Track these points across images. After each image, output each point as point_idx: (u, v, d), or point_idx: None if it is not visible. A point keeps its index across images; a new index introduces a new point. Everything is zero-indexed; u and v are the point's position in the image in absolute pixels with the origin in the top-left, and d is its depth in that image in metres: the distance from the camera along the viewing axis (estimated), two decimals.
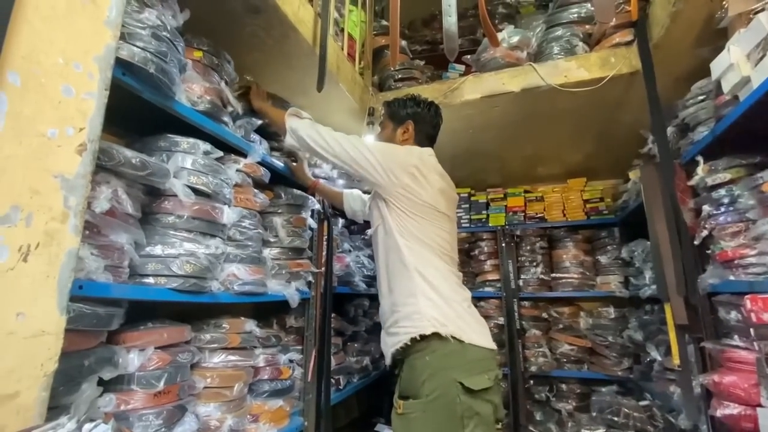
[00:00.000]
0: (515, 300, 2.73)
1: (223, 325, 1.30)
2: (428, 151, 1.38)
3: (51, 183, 0.71)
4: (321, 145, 1.31)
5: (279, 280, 1.50)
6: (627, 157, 2.33)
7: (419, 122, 1.44)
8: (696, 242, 1.42)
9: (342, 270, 2.08)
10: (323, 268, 1.79)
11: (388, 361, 1.23)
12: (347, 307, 2.23)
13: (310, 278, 1.69)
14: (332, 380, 1.80)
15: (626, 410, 2.23)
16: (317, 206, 1.73)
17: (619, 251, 2.57)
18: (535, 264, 2.84)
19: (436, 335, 1.10)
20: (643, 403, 2.26)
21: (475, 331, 1.14)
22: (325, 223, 1.82)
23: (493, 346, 1.16)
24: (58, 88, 0.73)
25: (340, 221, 2.13)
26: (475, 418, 1.04)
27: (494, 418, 1.08)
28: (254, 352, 1.38)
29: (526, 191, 3.05)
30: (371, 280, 2.44)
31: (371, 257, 2.46)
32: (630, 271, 2.47)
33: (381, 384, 2.76)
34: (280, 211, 1.58)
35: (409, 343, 1.12)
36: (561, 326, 2.71)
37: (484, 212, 3.02)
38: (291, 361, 1.54)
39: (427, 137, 1.45)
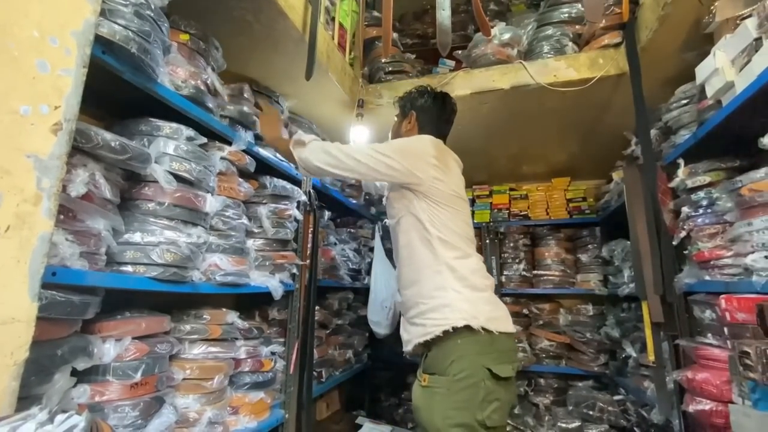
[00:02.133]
0: (497, 296, 2.77)
1: (204, 316, 1.28)
2: (439, 141, 1.37)
3: (23, 163, 0.68)
4: (335, 165, 1.30)
5: (262, 271, 1.49)
6: (610, 158, 2.37)
7: (423, 112, 1.45)
8: (674, 242, 1.46)
9: (327, 263, 2.08)
10: (308, 261, 1.78)
11: (409, 348, 1.24)
12: (331, 299, 2.23)
13: (295, 270, 1.69)
14: (314, 373, 1.82)
15: (601, 404, 2.30)
16: (303, 198, 1.73)
17: (600, 250, 2.63)
18: (517, 261, 2.88)
19: (467, 327, 1.15)
20: (617, 397, 2.33)
21: (501, 318, 1.20)
22: (312, 215, 1.82)
23: (514, 329, 1.23)
24: (32, 62, 0.70)
25: (327, 213, 2.13)
26: (495, 403, 1.09)
27: (510, 406, 1.14)
28: (235, 344, 1.38)
29: (511, 189, 3.09)
30: (356, 273, 2.45)
31: (357, 251, 2.48)
32: (609, 269, 2.53)
33: (363, 377, 2.80)
34: (265, 201, 1.57)
35: (440, 335, 1.15)
36: (541, 322, 2.76)
37: (470, 209, 3.05)
38: (273, 353, 1.54)
39: (433, 128, 1.43)
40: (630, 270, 2.10)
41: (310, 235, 1.82)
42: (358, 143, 1.47)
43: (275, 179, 1.61)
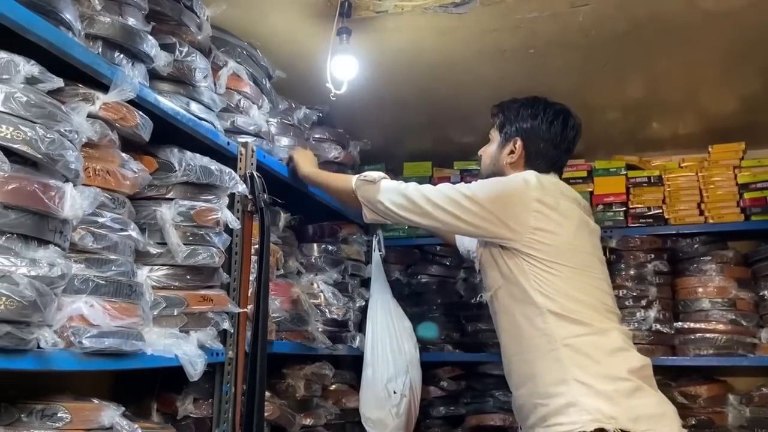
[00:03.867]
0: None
1: (59, 415, 1.29)
2: (548, 177, 1.81)
3: None
4: (410, 209, 1.79)
5: (166, 328, 1.52)
6: None
7: (535, 139, 1.86)
8: None
9: (287, 310, 2.09)
10: (250, 307, 1.81)
11: None
12: (293, 379, 2.24)
13: (227, 325, 1.71)
14: None
15: None
16: (241, 187, 1.75)
17: None
18: (644, 302, 2.88)
19: (601, 431, 1.46)
20: None
21: (659, 417, 1.53)
22: (257, 219, 1.84)
23: None
24: None
25: (282, 215, 2.15)
26: None
27: None
28: None
29: (629, 167, 3.10)
30: (338, 329, 2.48)
31: (342, 287, 2.51)
32: None
33: None
34: (170, 195, 1.61)
35: None
36: (693, 422, 2.74)
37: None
38: None
39: (546, 161, 1.87)
40: None
41: (255, 259, 1.84)
42: (445, 185, 1.86)
43: (189, 154, 1.62)
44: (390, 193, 1.82)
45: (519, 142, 1.86)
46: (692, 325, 2.82)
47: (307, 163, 2.11)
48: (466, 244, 2.37)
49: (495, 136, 1.95)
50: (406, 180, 3.14)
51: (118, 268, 1.37)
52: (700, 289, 2.84)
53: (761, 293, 2.80)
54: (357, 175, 1.93)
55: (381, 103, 2.72)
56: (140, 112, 1.47)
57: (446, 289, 3.15)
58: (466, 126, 2.97)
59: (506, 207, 1.70)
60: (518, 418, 1.77)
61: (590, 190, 3.06)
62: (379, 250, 2.82)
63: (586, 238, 1.76)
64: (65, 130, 1.22)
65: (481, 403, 2.93)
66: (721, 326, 2.76)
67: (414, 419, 2.65)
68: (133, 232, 1.43)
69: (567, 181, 3.04)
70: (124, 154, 1.46)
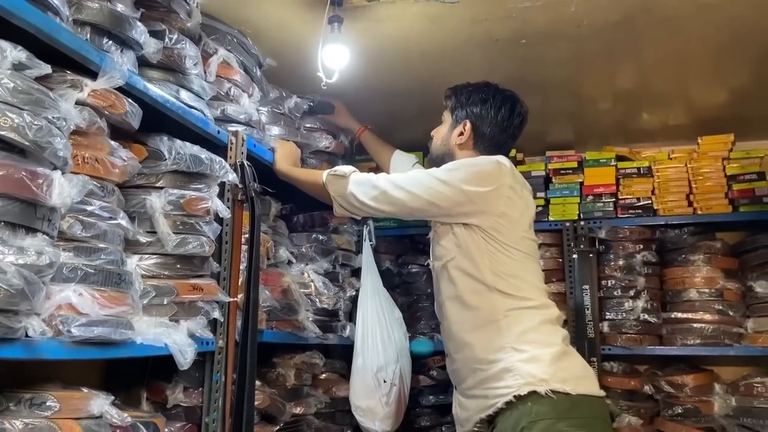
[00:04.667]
0: (593, 359, 2.79)
1: (48, 403, 1.29)
2: (507, 160, 1.90)
3: None
4: (384, 200, 1.82)
5: (156, 317, 1.53)
6: None
7: (482, 122, 1.98)
8: None
9: (277, 300, 2.10)
10: (240, 296, 1.81)
11: (468, 427, 1.76)
12: (284, 369, 2.26)
13: (217, 314, 1.71)
14: None
15: None
16: (231, 176, 1.75)
17: None
18: (632, 293, 2.89)
19: (534, 394, 1.59)
20: None
21: (582, 378, 1.67)
22: (248, 209, 1.84)
23: (602, 393, 1.69)
24: None
25: (274, 205, 2.16)
26: None
27: None
28: None
29: (619, 158, 3.11)
30: (329, 318, 2.49)
31: (332, 277, 2.52)
32: None
33: None
34: (160, 184, 1.61)
35: (503, 407, 1.62)
36: (679, 410, 2.76)
37: (541, 195, 3.07)
38: None
39: (493, 144, 1.99)
40: None
41: (245, 248, 1.84)
42: (414, 172, 1.94)
43: (179, 142, 1.62)
44: (360, 186, 1.86)
45: (468, 125, 1.97)
46: (680, 315, 2.84)
47: (282, 158, 2.11)
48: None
49: (447, 117, 2.06)
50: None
51: (107, 257, 1.37)
52: (688, 280, 2.86)
53: (748, 284, 2.83)
54: (327, 170, 1.95)
55: (372, 92, 2.71)
56: (129, 100, 1.47)
57: None
58: None
59: (481, 190, 1.78)
60: (454, 379, 1.91)
61: (580, 180, 3.07)
62: (370, 240, 2.82)
63: (532, 228, 1.93)
64: (53, 117, 1.21)
65: None
66: (708, 316, 2.79)
67: (404, 408, 2.66)
68: (123, 220, 1.44)
69: (557, 171, 3.12)
70: (113, 142, 1.46)
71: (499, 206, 1.79)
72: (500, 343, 1.69)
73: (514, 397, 1.60)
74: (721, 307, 2.80)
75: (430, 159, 2.09)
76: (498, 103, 1.97)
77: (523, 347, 1.68)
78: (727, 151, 2.97)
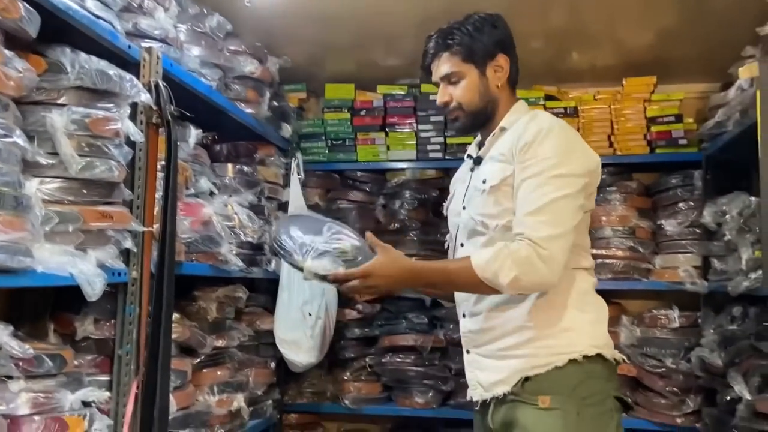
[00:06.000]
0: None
1: None
2: None
3: None
4: (568, 240, 1.51)
5: (61, 245, 1.47)
6: (732, 43, 2.39)
7: (510, 49, 1.71)
8: None
9: (197, 231, 2.04)
10: (156, 226, 1.75)
11: (493, 392, 1.58)
12: (205, 302, 2.21)
13: (129, 244, 1.66)
14: None
15: None
16: (145, 96, 1.66)
17: (700, 212, 2.69)
18: None
19: (599, 357, 1.54)
20: None
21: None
22: (164, 133, 1.76)
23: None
24: None
25: (193, 131, 2.05)
26: None
27: None
28: (8, 387, 1.37)
29: (548, 96, 3.10)
30: (253, 252, 2.43)
31: (258, 210, 2.45)
32: (714, 247, 2.62)
33: None
34: (63, 101, 1.51)
35: (559, 365, 1.51)
36: None
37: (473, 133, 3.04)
38: (87, 404, 1.53)
39: (517, 72, 1.73)
40: (753, 248, 2.15)
41: (161, 175, 1.77)
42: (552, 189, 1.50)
43: (84, 56, 1.51)
44: (550, 243, 1.47)
45: (502, 56, 1.66)
46: (594, 251, 2.89)
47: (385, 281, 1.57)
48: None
49: (464, 67, 1.65)
50: (329, 102, 3.13)
51: (2, 178, 1.27)
52: (604, 218, 2.92)
53: (659, 222, 2.92)
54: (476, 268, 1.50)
55: (302, 17, 2.57)
56: (25, 4, 1.33)
57: (365, 215, 3.13)
58: (391, 49, 2.88)
59: (587, 162, 1.58)
60: (478, 340, 1.64)
61: None
62: (298, 174, 2.77)
63: None
64: None
65: (395, 324, 2.97)
66: (620, 252, 2.87)
67: (328, 340, 2.68)
68: (19, 139, 1.33)
69: None
70: (7, 51, 1.32)
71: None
72: (561, 301, 1.57)
73: (582, 356, 1.51)
74: (632, 244, 2.88)
75: (461, 128, 1.73)
76: (501, 22, 1.70)
77: (586, 308, 1.60)
78: (649, 93, 3.01)
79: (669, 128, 2.92)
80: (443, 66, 1.67)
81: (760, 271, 1.89)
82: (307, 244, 1.57)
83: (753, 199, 2.26)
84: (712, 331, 2.60)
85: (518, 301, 1.57)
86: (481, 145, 1.74)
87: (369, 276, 1.52)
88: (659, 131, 2.92)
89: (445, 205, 1.89)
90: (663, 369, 2.72)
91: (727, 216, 2.40)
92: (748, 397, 2.13)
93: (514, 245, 1.46)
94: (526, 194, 1.50)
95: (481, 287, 1.51)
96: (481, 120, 1.70)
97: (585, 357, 1.51)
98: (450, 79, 1.67)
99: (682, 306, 2.81)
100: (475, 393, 1.65)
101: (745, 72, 1.98)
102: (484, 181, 1.61)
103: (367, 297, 1.61)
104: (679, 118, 2.93)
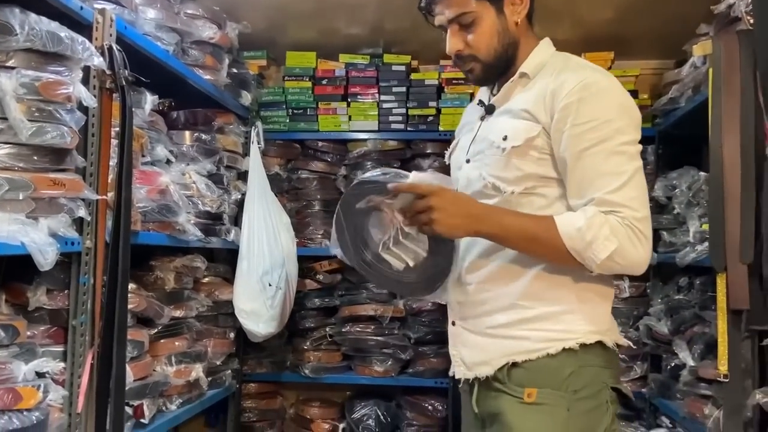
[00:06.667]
0: None
1: None
2: None
3: None
4: (645, 201, 1.32)
5: (11, 213, 1.45)
6: (688, 21, 2.42)
7: None
8: None
9: (153, 200, 2.01)
10: (111, 194, 1.73)
11: (478, 372, 1.42)
12: (162, 272, 2.20)
13: (83, 212, 1.63)
14: (127, 409, 1.83)
15: None
16: (98, 60, 1.62)
17: (651, 185, 2.69)
18: None
19: (599, 344, 1.36)
20: None
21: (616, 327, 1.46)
22: (118, 99, 1.73)
23: None
24: None
25: (149, 97, 2.00)
26: None
27: None
28: None
29: None
30: (212, 222, 2.41)
31: (217, 179, 2.42)
32: (663, 220, 2.66)
33: (224, 412, 2.81)
34: (11, 63, 1.47)
35: (552, 353, 1.34)
36: None
37: (433, 104, 3.05)
38: (41, 374, 1.52)
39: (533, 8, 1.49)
40: (701, 221, 2.21)
41: (115, 142, 1.74)
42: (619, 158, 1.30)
43: (33, 16, 1.46)
44: (645, 223, 1.30)
45: None
46: None
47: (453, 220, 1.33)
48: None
49: (478, 5, 1.39)
50: (290, 70, 3.08)
51: None
52: None
53: None
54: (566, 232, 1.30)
55: None
56: None
57: (326, 186, 3.12)
58: (354, 17, 2.83)
59: (639, 124, 1.37)
60: (465, 312, 1.48)
61: (471, 91, 3.03)
62: (258, 143, 2.73)
63: None
64: None
65: (355, 294, 2.99)
66: None
67: (288, 310, 2.68)
68: None
69: (450, 81, 3.06)
70: None
71: None
72: (562, 280, 1.35)
73: (579, 345, 1.32)
74: None
75: (478, 81, 1.54)
76: None
77: (589, 288, 1.38)
78: (606, 69, 2.99)
79: None
80: (451, 6, 1.40)
81: (707, 244, 1.93)
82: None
83: (702, 174, 2.32)
84: (659, 300, 2.69)
85: (515, 275, 1.39)
86: (493, 90, 1.53)
87: (435, 195, 1.29)
88: None
89: (447, 152, 1.70)
90: None
91: (677, 190, 2.48)
92: (691, 363, 2.22)
93: (609, 217, 1.26)
94: (599, 166, 1.29)
95: (559, 255, 1.30)
96: (501, 67, 1.45)
97: (582, 345, 1.33)
98: (461, 21, 1.40)
99: (632, 277, 2.87)
100: (458, 371, 1.49)
101: (699, 49, 1.99)
102: (505, 138, 1.38)
103: (434, 227, 1.30)
104: (634, 94, 2.95)
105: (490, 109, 1.49)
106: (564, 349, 1.33)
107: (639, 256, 1.28)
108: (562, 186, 1.37)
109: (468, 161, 1.50)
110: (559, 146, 1.33)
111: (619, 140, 1.29)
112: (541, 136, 1.34)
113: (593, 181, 1.29)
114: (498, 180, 1.39)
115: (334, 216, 1.43)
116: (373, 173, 1.42)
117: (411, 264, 1.40)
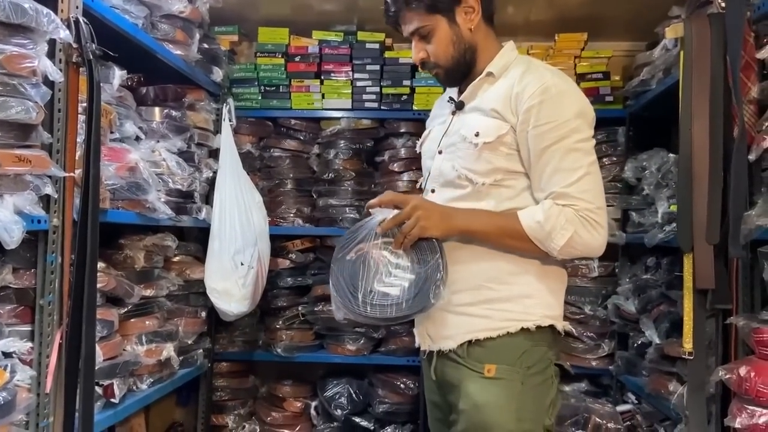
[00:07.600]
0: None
1: None
2: None
3: None
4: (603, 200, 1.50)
5: None
6: (661, 4, 2.44)
7: None
8: (751, 157, 1.56)
9: (122, 177, 1.98)
10: (78, 171, 1.71)
11: (442, 345, 1.57)
12: (132, 250, 2.18)
13: (49, 190, 1.61)
14: (97, 389, 1.83)
15: (597, 419, 2.60)
16: (64, 33, 1.57)
17: (621, 167, 2.79)
18: None
19: (550, 327, 1.53)
20: (623, 407, 2.65)
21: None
22: (85, 74, 1.69)
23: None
24: None
25: (117, 72, 1.96)
26: (554, 411, 1.53)
27: None
28: None
29: None
30: (183, 200, 2.39)
31: (187, 157, 2.40)
32: (633, 200, 2.72)
33: (195, 391, 2.80)
34: None
35: (512, 332, 1.49)
36: None
37: (407, 83, 3.03)
38: (7, 354, 1.53)
39: (491, 8, 1.63)
40: (669, 202, 2.25)
41: (82, 118, 1.71)
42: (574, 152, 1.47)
43: None
44: (599, 213, 1.47)
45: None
46: None
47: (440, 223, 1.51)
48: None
49: (431, 19, 1.54)
50: (262, 46, 3.03)
51: None
52: None
53: None
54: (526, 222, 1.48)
55: None
56: None
57: (299, 164, 3.10)
58: None
59: (593, 121, 1.58)
60: (446, 292, 1.53)
61: None
62: (230, 120, 2.69)
63: None
64: None
65: (328, 273, 2.93)
66: None
67: (261, 289, 2.67)
68: None
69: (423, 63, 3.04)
70: None
71: None
72: (524, 266, 1.52)
73: (536, 327, 1.48)
74: None
75: (444, 83, 1.69)
76: None
77: (548, 275, 1.55)
78: (580, 50, 3.05)
79: (597, 85, 2.99)
80: (411, 21, 1.57)
81: (674, 224, 1.96)
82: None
83: (671, 155, 2.35)
84: (627, 280, 2.74)
85: (482, 258, 1.53)
86: (461, 88, 1.66)
87: (416, 208, 1.48)
88: (588, 87, 2.96)
89: (419, 142, 1.83)
90: (582, 315, 2.84)
91: (646, 171, 2.51)
92: (657, 341, 2.28)
93: (564, 208, 1.44)
94: (557, 163, 1.45)
95: (526, 245, 1.48)
96: (462, 71, 1.61)
97: (538, 327, 1.50)
98: (420, 33, 1.57)
99: (601, 256, 2.90)
100: (423, 343, 1.64)
101: (671, 32, 2.01)
102: (477, 134, 1.52)
103: (429, 232, 1.50)
104: (606, 76, 3.00)
105: (460, 105, 1.63)
106: (522, 329, 1.49)
107: (594, 240, 1.46)
108: (528, 179, 1.53)
109: (440, 152, 1.64)
110: (524, 144, 1.49)
111: (575, 138, 1.47)
112: (510, 134, 1.51)
113: (551, 177, 1.47)
114: (470, 172, 1.54)
115: (330, 279, 1.60)
116: (346, 232, 1.63)
117: (406, 285, 1.49)
